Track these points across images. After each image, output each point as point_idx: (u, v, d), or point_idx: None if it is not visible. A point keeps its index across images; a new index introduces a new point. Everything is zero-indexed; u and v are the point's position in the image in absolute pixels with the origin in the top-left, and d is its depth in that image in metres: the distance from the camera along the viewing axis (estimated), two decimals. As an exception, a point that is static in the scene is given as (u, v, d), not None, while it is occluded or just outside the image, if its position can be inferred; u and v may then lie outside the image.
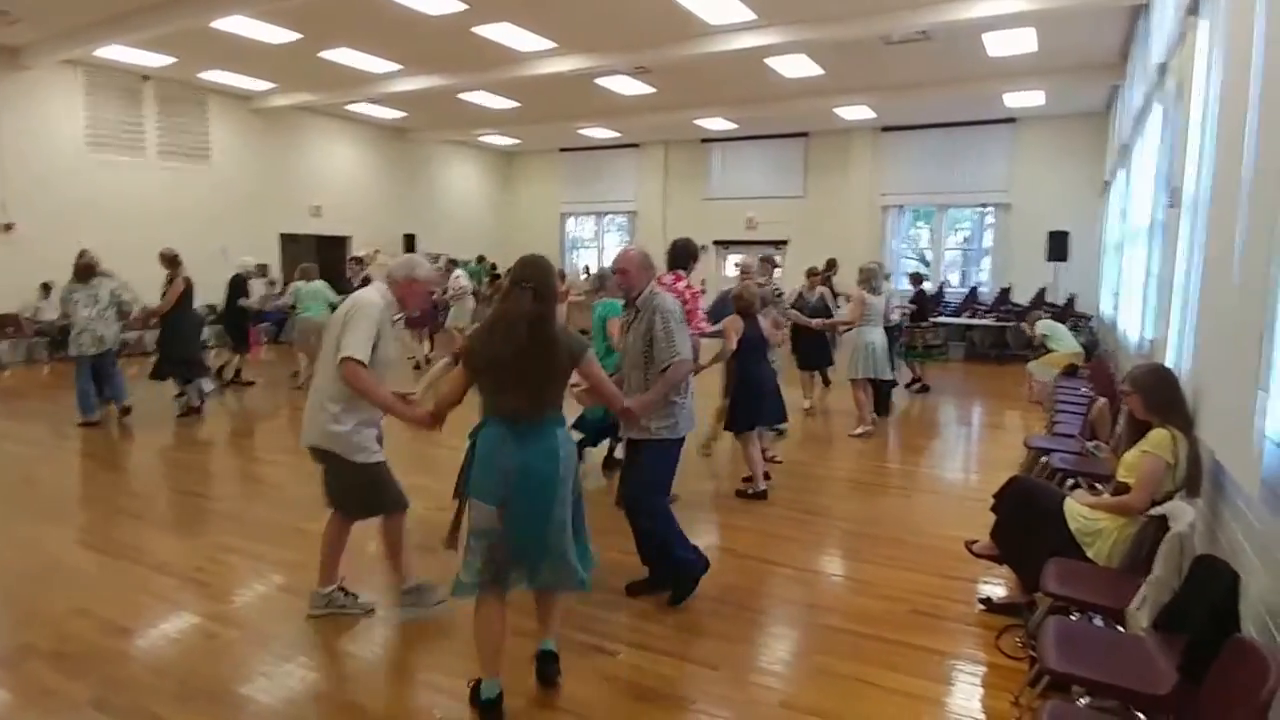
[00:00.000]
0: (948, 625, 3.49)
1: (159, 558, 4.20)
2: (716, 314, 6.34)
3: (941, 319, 11.97)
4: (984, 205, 15.35)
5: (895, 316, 8.95)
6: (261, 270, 11.42)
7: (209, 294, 10.90)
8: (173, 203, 12.81)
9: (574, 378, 2.91)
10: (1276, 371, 2.22)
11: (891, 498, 5.65)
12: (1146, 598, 2.54)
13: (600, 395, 3.16)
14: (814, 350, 8.44)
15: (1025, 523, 3.41)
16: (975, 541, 3.74)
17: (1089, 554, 3.09)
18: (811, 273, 8.76)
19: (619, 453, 5.35)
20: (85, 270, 7.24)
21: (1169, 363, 4.18)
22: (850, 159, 15.96)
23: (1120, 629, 2.64)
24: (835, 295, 9.34)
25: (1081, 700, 2.37)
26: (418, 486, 3.54)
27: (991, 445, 7.64)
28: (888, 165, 15.76)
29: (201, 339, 9.34)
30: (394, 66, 11.59)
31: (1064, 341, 8.73)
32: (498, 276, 15.80)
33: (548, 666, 2.92)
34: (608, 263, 4.23)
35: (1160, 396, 3.22)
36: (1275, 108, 2.50)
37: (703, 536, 4.67)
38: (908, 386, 9.84)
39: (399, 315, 3.40)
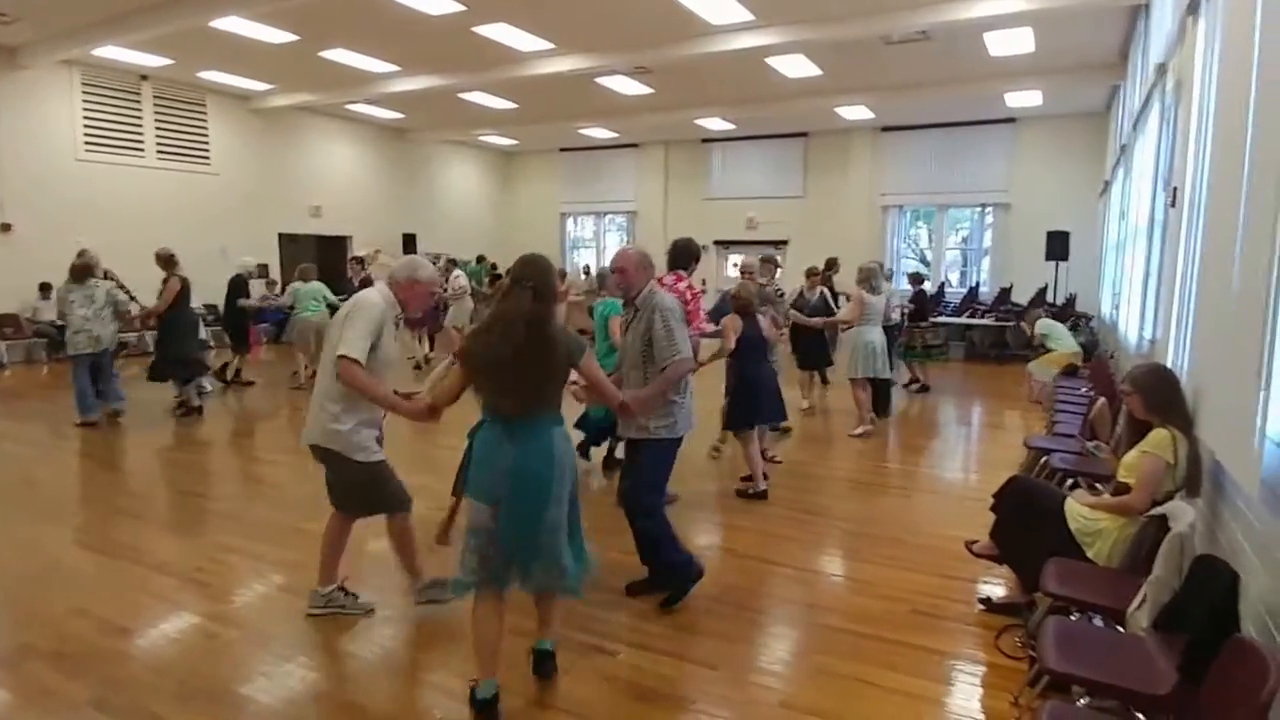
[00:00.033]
0: (947, 625, 3.49)
1: (159, 558, 4.20)
2: (718, 315, 6.34)
3: (941, 319, 11.96)
4: (984, 205, 15.36)
5: (895, 316, 8.95)
6: (262, 270, 11.42)
7: (209, 294, 10.92)
8: (172, 203, 12.82)
9: (573, 375, 2.91)
10: (1277, 371, 2.22)
11: (891, 498, 5.65)
12: (1146, 598, 2.54)
13: (599, 395, 3.16)
14: (813, 350, 8.44)
15: (1025, 522, 3.41)
16: (975, 541, 3.73)
17: (1089, 554, 3.09)
18: (811, 273, 8.76)
19: (619, 452, 5.35)
20: (81, 270, 7.25)
21: (1169, 363, 4.17)
22: (850, 159, 15.97)
23: (1120, 629, 2.64)
24: (835, 295, 9.33)
25: (1081, 700, 2.36)
26: (419, 486, 3.55)
27: (991, 445, 7.64)
28: (887, 165, 15.77)
29: (200, 338, 9.34)
30: (393, 67, 11.60)
31: (1063, 341, 8.73)
32: (498, 276, 15.80)
33: (544, 663, 2.94)
34: (608, 263, 4.22)
35: (1160, 396, 3.22)
36: (1274, 107, 2.50)
37: (703, 536, 4.68)
38: (905, 386, 9.84)
39: (400, 316, 3.40)
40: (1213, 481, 3.02)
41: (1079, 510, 3.23)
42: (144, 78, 12.34)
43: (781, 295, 7.69)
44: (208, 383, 8.81)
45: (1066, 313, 12.07)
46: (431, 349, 11.50)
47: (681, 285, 5.24)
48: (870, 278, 7.34)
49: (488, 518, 2.68)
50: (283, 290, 11.51)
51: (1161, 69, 5.93)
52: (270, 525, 4.74)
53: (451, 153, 18.66)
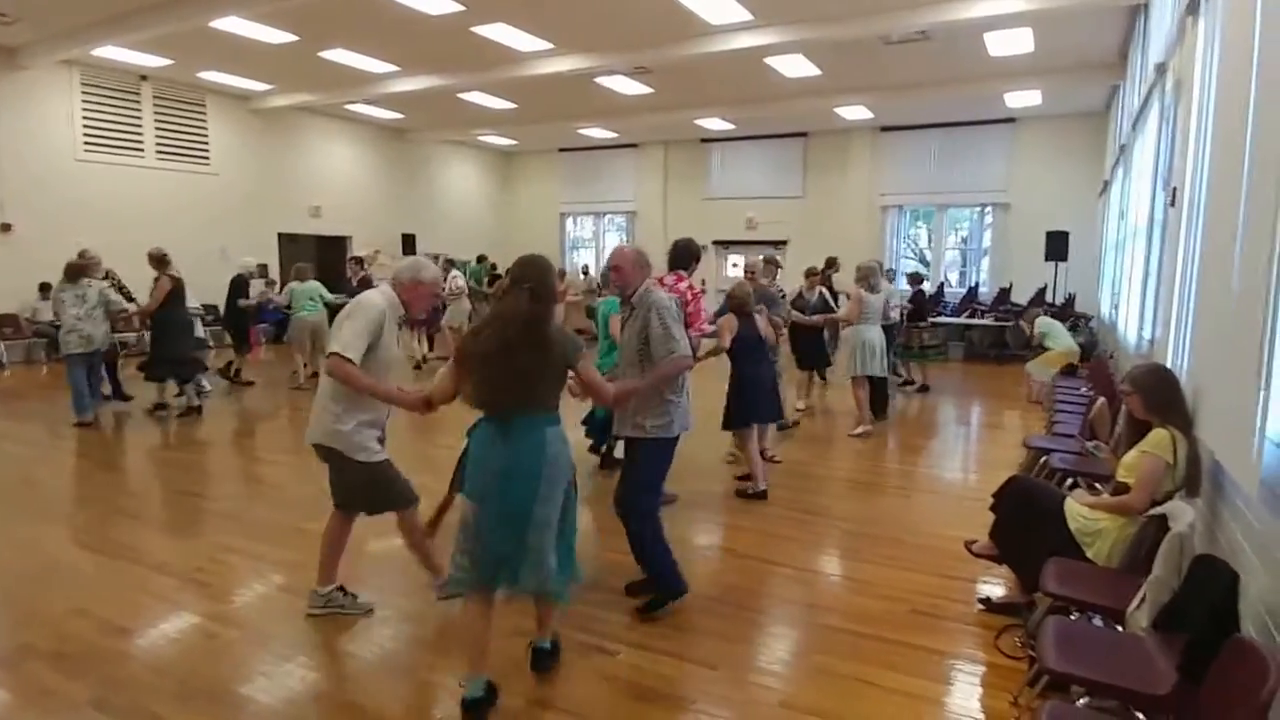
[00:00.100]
0: (947, 625, 3.49)
1: (158, 558, 4.20)
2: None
3: (940, 319, 11.96)
4: (983, 205, 15.36)
5: (894, 315, 8.95)
6: (262, 270, 11.42)
7: (209, 294, 10.92)
8: (171, 203, 12.81)
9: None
10: (1276, 371, 2.22)
11: (891, 498, 5.65)
12: (1146, 597, 2.54)
13: (594, 395, 3.17)
14: (812, 350, 8.45)
15: (1025, 522, 3.41)
16: (974, 541, 3.73)
17: (1089, 554, 3.09)
18: (810, 273, 8.76)
19: (619, 451, 5.34)
20: (74, 270, 7.27)
21: (1168, 362, 4.18)
22: (849, 159, 15.97)
23: (1120, 629, 2.64)
24: (835, 294, 9.33)
25: (1081, 700, 2.36)
26: (418, 485, 3.54)
27: (991, 445, 7.64)
28: (887, 165, 15.77)
29: (197, 337, 9.33)
30: (393, 67, 11.59)
31: (1060, 340, 8.73)
32: (498, 276, 15.79)
33: (541, 660, 2.97)
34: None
35: (1160, 396, 3.22)
36: (1274, 107, 2.50)
37: (703, 536, 4.68)
38: (901, 386, 9.84)
39: (403, 317, 3.40)
40: (1212, 481, 3.02)
41: (1078, 510, 3.23)
42: (144, 78, 12.33)
43: (783, 295, 7.70)
44: (207, 382, 8.80)
45: (1066, 313, 12.07)
46: (430, 349, 11.50)
47: (682, 285, 5.25)
48: (869, 276, 7.35)
49: (480, 517, 2.69)
50: (281, 290, 11.51)
51: (1161, 69, 5.94)
52: (270, 525, 4.74)
53: (451, 153, 18.66)
